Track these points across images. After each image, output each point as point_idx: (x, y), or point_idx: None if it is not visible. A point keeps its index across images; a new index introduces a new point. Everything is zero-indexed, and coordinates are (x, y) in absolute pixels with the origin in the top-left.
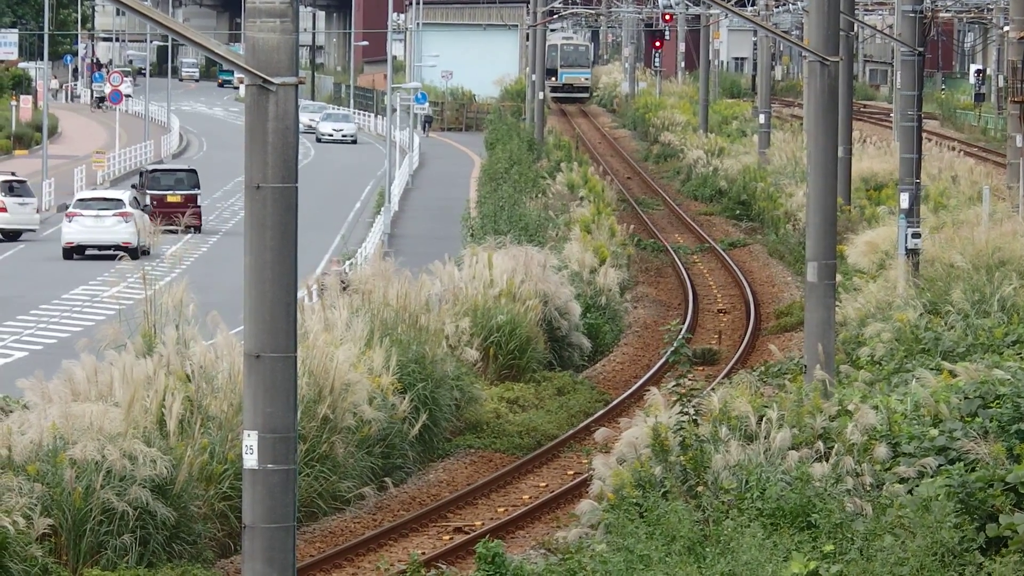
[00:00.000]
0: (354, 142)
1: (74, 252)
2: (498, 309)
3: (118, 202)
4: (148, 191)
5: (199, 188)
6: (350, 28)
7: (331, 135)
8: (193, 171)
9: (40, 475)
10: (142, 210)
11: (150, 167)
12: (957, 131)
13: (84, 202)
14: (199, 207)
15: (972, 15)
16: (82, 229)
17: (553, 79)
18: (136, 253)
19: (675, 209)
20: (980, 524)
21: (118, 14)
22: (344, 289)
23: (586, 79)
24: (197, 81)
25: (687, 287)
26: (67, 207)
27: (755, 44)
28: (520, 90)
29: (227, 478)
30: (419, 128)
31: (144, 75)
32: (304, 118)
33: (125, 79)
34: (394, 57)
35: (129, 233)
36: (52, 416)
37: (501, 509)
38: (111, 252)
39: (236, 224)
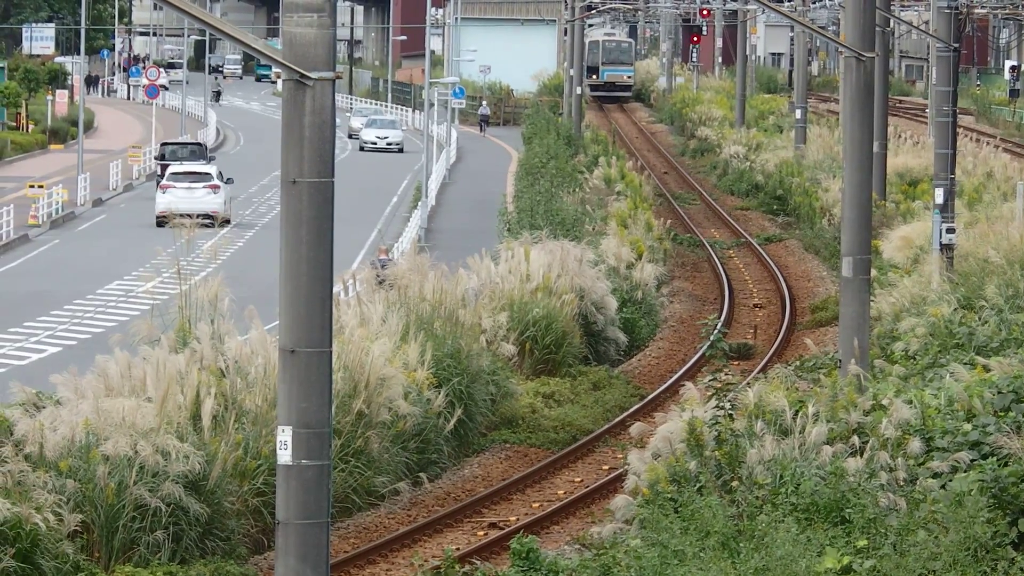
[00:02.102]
0: (400, 151)
1: (167, 221)
2: (534, 303)
3: (207, 175)
4: (166, 161)
5: (205, 159)
6: (388, 23)
7: (375, 143)
8: (202, 144)
9: (72, 471)
10: (226, 183)
11: (165, 141)
12: (992, 127)
13: (176, 175)
14: None
15: (1008, 11)
16: (174, 199)
17: (594, 77)
18: (226, 222)
19: (711, 204)
20: (1013, 519)
21: (155, 8)
22: (380, 284)
23: (628, 77)
24: (241, 78)
25: (723, 282)
26: (160, 179)
27: (792, 39)
28: (558, 85)
29: (261, 474)
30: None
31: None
32: (356, 123)
33: (162, 73)
34: (432, 52)
35: (218, 203)
36: (84, 412)
37: (536, 504)
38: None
39: (272, 219)
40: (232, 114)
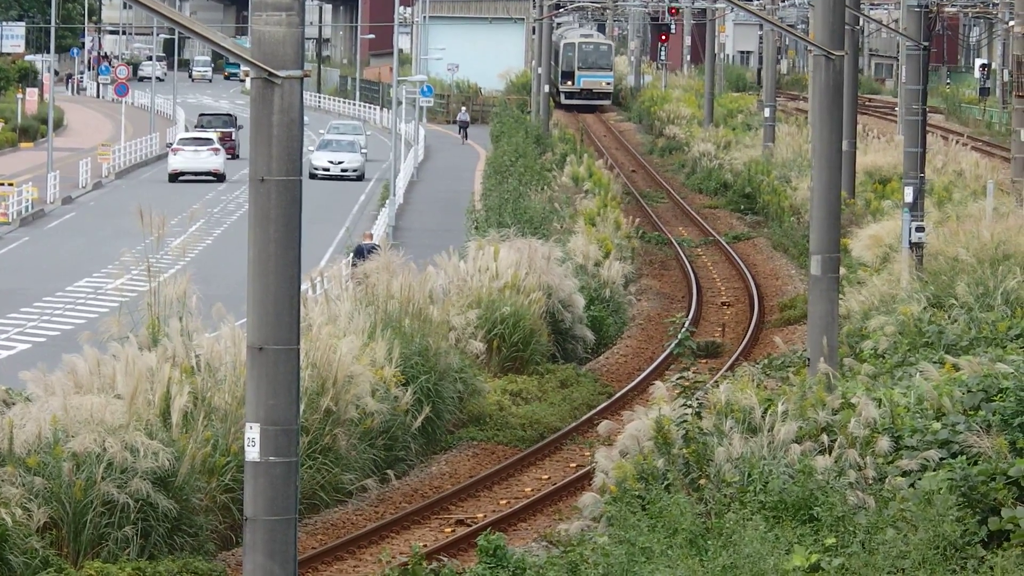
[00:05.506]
0: (359, 178)
1: (178, 177)
2: (502, 301)
3: (210, 140)
4: (203, 128)
5: (235, 127)
6: (356, 21)
7: (327, 170)
8: (232, 115)
9: (41, 467)
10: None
11: (203, 112)
12: (962, 125)
13: (184, 140)
14: (234, 140)
15: (977, 10)
16: (184, 160)
17: (569, 83)
18: (223, 178)
19: (680, 202)
20: (982, 518)
21: (125, 7)
22: (348, 281)
23: (608, 83)
24: (211, 81)
25: (691, 280)
26: (171, 145)
27: (761, 38)
28: (526, 83)
29: (230, 470)
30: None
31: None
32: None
33: (135, 69)
34: (400, 50)
35: (218, 163)
36: (53, 408)
37: (503, 501)
38: (204, 178)
39: (241, 217)
40: (201, 112)
